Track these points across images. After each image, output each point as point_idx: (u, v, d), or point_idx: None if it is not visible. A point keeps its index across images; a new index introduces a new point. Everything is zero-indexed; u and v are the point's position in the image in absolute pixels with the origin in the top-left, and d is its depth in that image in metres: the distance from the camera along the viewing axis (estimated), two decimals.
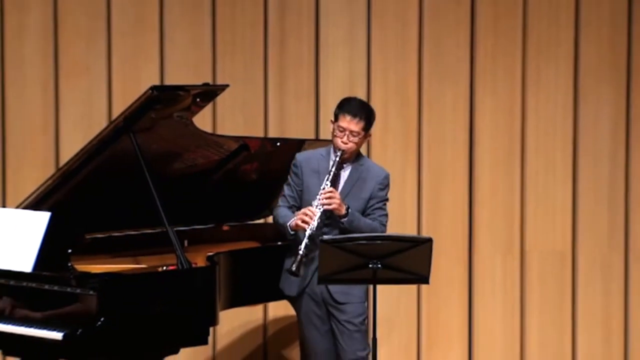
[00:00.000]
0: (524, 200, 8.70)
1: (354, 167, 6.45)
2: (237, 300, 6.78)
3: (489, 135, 8.69)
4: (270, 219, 7.74)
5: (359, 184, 6.43)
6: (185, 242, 6.89)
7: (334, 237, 6.06)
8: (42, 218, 6.16)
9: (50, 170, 7.75)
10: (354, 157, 6.43)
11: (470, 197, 8.69)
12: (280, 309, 8.45)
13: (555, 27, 8.63)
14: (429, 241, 5.92)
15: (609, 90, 8.66)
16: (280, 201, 6.59)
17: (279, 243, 7.24)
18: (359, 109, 6.40)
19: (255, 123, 8.59)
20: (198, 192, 7.14)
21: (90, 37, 8.51)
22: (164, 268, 6.43)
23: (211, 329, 6.37)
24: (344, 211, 6.30)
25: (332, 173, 6.32)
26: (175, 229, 6.37)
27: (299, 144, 7.34)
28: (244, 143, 7.12)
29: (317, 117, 8.67)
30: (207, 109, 7.74)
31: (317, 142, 7.73)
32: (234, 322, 8.55)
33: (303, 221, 6.26)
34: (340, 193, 6.35)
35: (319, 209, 6.27)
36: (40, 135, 8.52)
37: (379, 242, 5.89)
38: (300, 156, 6.59)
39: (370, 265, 5.85)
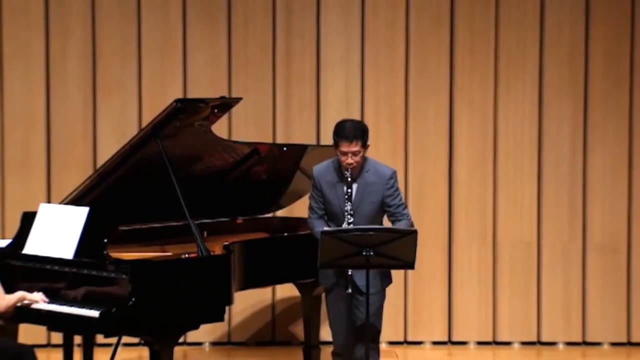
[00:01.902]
0: (496, 197, 8.69)
1: (360, 177, 6.25)
2: (249, 283, 6.70)
3: (466, 141, 8.69)
4: (278, 213, 7.85)
5: (369, 189, 6.24)
6: (205, 233, 6.90)
7: (333, 228, 6.04)
8: (81, 212, 6.14)
9: (89, 172, 7.67)
10: (360, 166, 6.26)
11: (449, 195, 8.68)
12: (287, 291, 8.46)
13: (522, 49, 8.61)
14: (414, 233, 5.90)
15: (568, 102, 8.64)
16: (311, 213, 6.39)
17: (286, 234, 7.34)
18: (353, 133, 6.16)
19: (265, 130, 8.58)
20: (216, 190, 7.11)
21: (123, 58, 8.51)
22: (187, 255, 6.37)
23: (227, 308, 6.31)
24: None
25: (350, 195, 6.18)
26: (196, 221, 6.33)
27: (302, 149, 7.33)
28: (255, 148, 7.10)
29: (318, 126, 8.64)
30: (224, 119, 7.71)
31: (318, 147, 7.72)
32: (247, 301, 8.54)
33: None
34: (354, 202, 6.19)
35: (348, 207, 6.17)
36: (81, 142, 8.51)
37: (371, 233, 5.84)
38: (316, 171, 6.36)
39: (364, 253, 5.81)
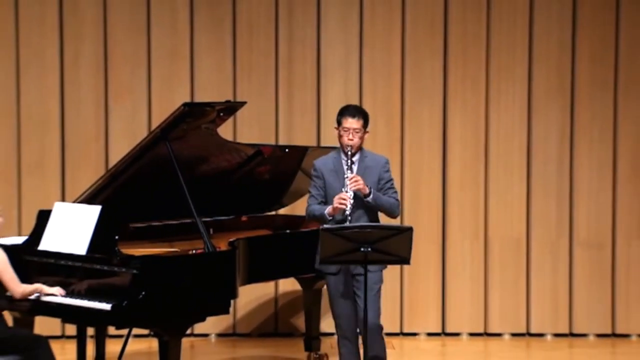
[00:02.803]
0: (487, 196, 8.68)
1: (360, 160, 6.38)
2: (253, 277, 6.72)
3: (459, 143, 8.67)
4: (280, 211, 7.84)
5: (367, 172, 6.35)
6: (211, 230, 6.87)
7: (333, 226, 6.04)
8: (94, 210, 6.16)
9: (101, 172, 7.73)
10: (358, 151, 6.38)
11: (443, 193, 8.67)
12: (289, 285, 8.44)
13: (512, 56, 8.61)
14: (409, 230, 5.89)
15: (556, 107, 8.63)
16: (310, 200, 6.46)
17: (288, 231, 7.34)
18: (356, 110, 6.43)
19: (268, 133, 8.57)
20: (221, 189, 7.12)
21: (134, 64, 8.50)
22: (194, 251, 6.40)
23: (232, 301, 6.32)
24: (367, 190, 6.27)
25: (350, 165, 6.29)
26: (202, 219, 6.35)
27: (303, 150, 7.35)
28: (258, 149, 7.12)
29: (319, 128, 8.64)
30: (229, 121, 7.74)
31: (319, 148, 7.74)
32: (251, 295, 8.52)
33: (341, 204, 6.20)
34: None
35: (350, 192, 6.23)
36: (93, 144, 8.49)
37: (369, 230, 5.84)
38: (317, 163, 6.48)
39: (362, 249, 5.81)
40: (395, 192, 6.47)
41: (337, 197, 6.25)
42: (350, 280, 6.32)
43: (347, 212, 6.20)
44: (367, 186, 6.29)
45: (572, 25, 8.61)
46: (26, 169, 8.48)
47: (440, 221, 8.66)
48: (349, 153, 6.33)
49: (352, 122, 6.36)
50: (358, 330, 6.41)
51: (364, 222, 6.24)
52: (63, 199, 8.19)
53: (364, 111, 6.47)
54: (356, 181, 6.23)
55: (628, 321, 8.70)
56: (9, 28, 8.42)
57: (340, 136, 6.39)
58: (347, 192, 6.24)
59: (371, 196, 6.30)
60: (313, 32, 8.59)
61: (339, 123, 6.40)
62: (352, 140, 6.34)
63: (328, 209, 6.30)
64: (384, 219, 6.54)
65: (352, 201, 6.22)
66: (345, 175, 6.29)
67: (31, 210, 6.64)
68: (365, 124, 6.41)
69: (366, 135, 6.44)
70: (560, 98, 8.64)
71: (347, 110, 6.43)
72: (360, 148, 6.42)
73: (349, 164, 6.32)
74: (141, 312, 5.88)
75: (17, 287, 5.91)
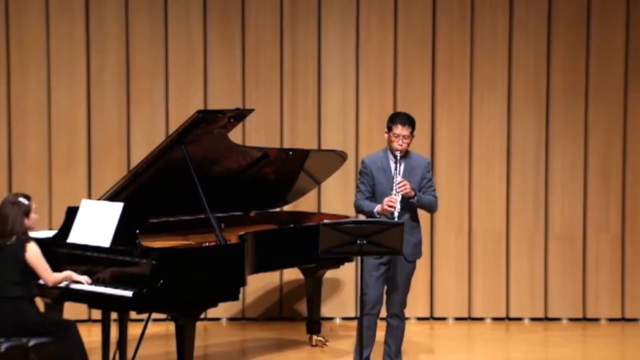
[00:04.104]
0: (471, 194, 8.69)
1: (406, 162, 6.34)
2: (261, 267, 6.72)
3: (446, 146, 8.68)
4: (285, 208, 7.85)
5: (412, 172, 6.34)
6: (222, 225, 6.85)
7: (332, 221, 5.99)
8: (117, 207, 6.17)
9: (123, 172, 7.75)
10: (405, 152, 6.36)
11: None
12: (292, 274, 8.43)
13: (494, 68, 8.61)
14: (401, 225, 5.90)
15: (533, 113, 8.64)
16: (359, 195, 6.41)
17: (292, 225, 7.33)
18: (407, 119, 6.34)
19: (274, 137, 8.57)
20: (231, 188, 7.11)
21: (153, 74, 8.49)
22: (207, 244, 6.38)
23: (241, 289, 6.34)
24: (413, 193, 6.27)
25: (398, 170, 6.27)
26: (214, 215, 6.35)
27: (306, 153, 7.35)
28: (265, 152, 7.13)
29: (319, 133, 8.62)
30: (238, 127, 7.65)
31: (319, 151, 7.78)
32: (258, 283, 8.52)
33: (390, 206, 6.17)
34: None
35: (398, 196, 6.20)
36: (116, 146, 8.50)
37: (364, 225, 5.84)
38: (366, 160, 6.45)
39: (358, 242, 5.80)
40: (434, 189, 6.46)
41: (386, 199, 6.22)
42: (384, 264, 6.29)
43: (396, 215, 6.18)
44: (413, 189, 6.27)
45: (547, 40, 8.61)
46: (56, 170, 8.48)
47: (428, 216, 8.52)
48: (398, 157, 6.30)
49: (402, 130, 6.30)
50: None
51: (406, 219, 6.24)
52: (89, 197, 8.19)
53: (412, 119, 6.38)
54: (404, 186, 6.21)
55: (597, 306, 8.71)
56: (41, 43, 8.42)
57: (390, 141, 6.33)
58: (395, 194, 6.21)
59: (416, 198, 6.30)
60: (314, 47, 8.58)
61: (390, 129, 6.33)
62: (401, 145, 6.30)
63: (377, 208, 6.28)
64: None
65: (400, 204, 6.20)
66: (395, 179, 6.25)
67: (60, 207, 6.62)
68: (413, 130, 6.35)
69: (412, 140, 6.39)
70: (536, 105, 8.64)
71: (399, 118, 6.36)
72: (406, 151, 6.39)
73: (397, 166, 6.29)
74: (159, 298, 5.89)
75: (50, 276, 5.92)
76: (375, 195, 6.37)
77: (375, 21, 8.60)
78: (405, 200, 6.27)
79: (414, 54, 8.61)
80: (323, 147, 8.51)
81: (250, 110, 6.77)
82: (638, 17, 8.60)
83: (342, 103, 8.63)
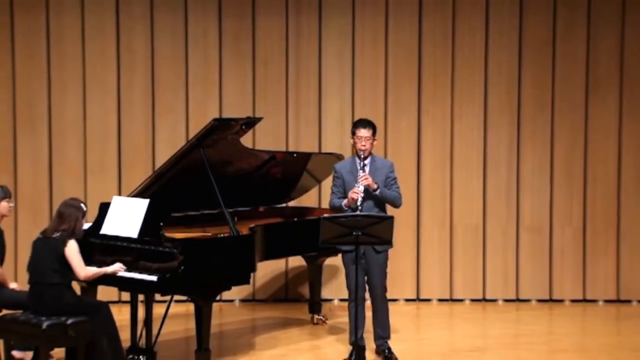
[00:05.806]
0: (452, 192, 8.66)
1: (371, 163, 6.36)
2: (269, 255, 6.70)
3: (430, 150, 8.66)
4: (290, 203, 7.78)
5: (377, 172, 6.35)
6: (235, 218, 6.77)
7: (331, 215, 6.00)
8: (143, 203, 6.15)
9: (149, 172, 7.73)
10: (369, 156, 6.36)
11: (418, 189, 8.65)
12: (296, 261, 8.42)
13: (472, 82, 8.59)
14: (391, 218, 5.91)
15: (505, 122, 8.63)
16: (332, 196, 6.44)
17: (296, 219, 7.30)
18: (367, 123, 6.36)
19: (280, 142, 8.56)
20: (243, 186, 7.10)
21: (175, 88, 8.49)
22: (222, 235, 6.35)
23: (252, 274, 6.33)
24: (375, 186, 6.28)
25: (363, 167, 6.27)
26: (228, 210, 6.35)
27: (308, 155, 7.34)
28: (273, 155, 7.13)
29: (320, 138, 8.61)
30: (249, 133, 7.70)
31: (320, 154, 7.75)
32: (267, 269, 8.52)
33: (353, 197, 6.21)
34: None
35: (361, 187, 6.23)
36: (143, 151, 8.50)
37: (359, 218, 5.85)
38: (337, 166, 6.49)
39: (354, 233, 5.81)
40: (398, 187, 6.45)
41: (351, 190, 6.26)
42: (361, 256, 6.22)
43: (359, 203, 6.20)
44: (375, 182, 6.28)
45: (518, 59, 8.59)
46: (90, 171, 8.48)
47: (415, 211, 8.63)
48: (362, 156, 6.31)
49: (363, 132, 6.31)
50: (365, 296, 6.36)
51: (374, 213, 6.21)
52: (119, 194, 8.16)
53: (372, 123, 6.40)
54: (365, 178, 6.24)
55: (562, 289, 8.69)
56: (78, 61, 8.42)
57: (354, 143, 6.35)
58: (358, 186, 6.24)
59: (379, 191, 6.30)
60: (315, 63, 8.57)
61: (353, 133, 6.36)
62: (364, 146, 6.31)
63: (344, 201, 6.32)
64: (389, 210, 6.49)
65: (362, 194, 6.21)
66: (358, 174, 6.29)
67: (94, 203, 6.59)
68: (374, 133, 6.37)
69: (375, 142, 6.40)
70: (509, 115, 8.63)
71: (360, 122, 6.38)
72: (370, 153, 6.37)
73: (362, 166, 6.30)
74: (180, 282, 5.89)
75: (82, 272, 5.84)
76: (346, 195, 6.37)
77: (369, 41, 8.59)
78: (372, 196, 6.28)
79: (402, 70, 8.61)
80: (323, 150, 8.50)
81: (260, 119, 6.77)
82: (598, 39, 8.58)
83: (340, 112, 8.62)
